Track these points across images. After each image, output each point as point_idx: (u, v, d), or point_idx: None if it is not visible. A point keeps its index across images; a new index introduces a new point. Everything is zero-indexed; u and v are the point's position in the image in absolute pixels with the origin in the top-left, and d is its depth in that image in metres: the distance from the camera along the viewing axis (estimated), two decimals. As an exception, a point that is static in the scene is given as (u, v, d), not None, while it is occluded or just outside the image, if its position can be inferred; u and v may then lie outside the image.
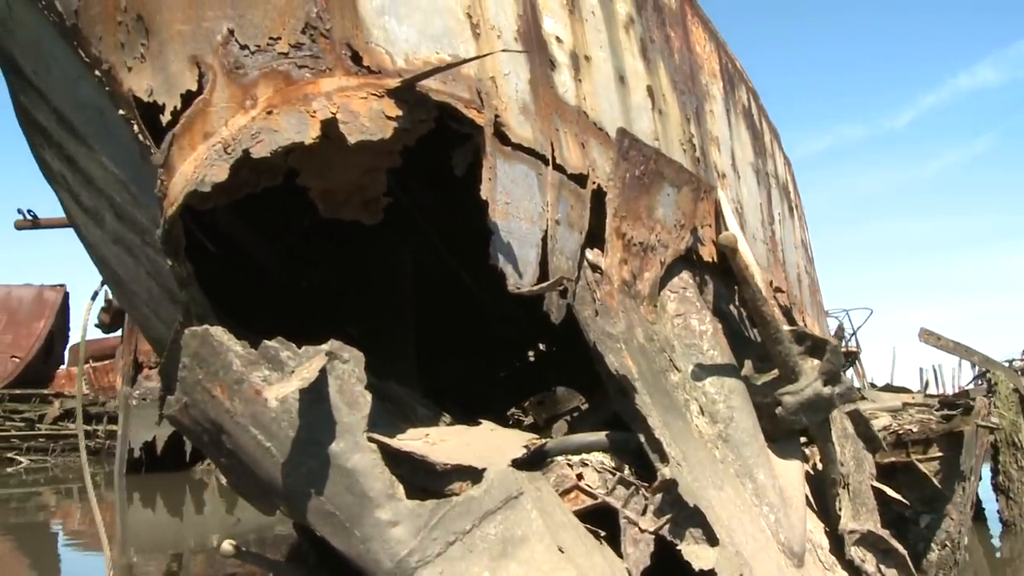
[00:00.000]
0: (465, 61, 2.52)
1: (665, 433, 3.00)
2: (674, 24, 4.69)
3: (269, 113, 2.17)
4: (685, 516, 2.94)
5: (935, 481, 4.71)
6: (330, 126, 2.18)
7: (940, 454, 4.78)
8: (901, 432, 4.77)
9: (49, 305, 22.88)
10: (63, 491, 15.52)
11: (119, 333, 20.17)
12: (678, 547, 2.86)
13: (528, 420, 5.72)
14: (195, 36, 2.26)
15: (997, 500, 6.74)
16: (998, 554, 6.35)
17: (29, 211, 4.87)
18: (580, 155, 3.23)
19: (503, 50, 2.66)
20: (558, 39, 3.34)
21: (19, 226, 4.95)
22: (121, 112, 2.45)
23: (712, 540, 2.87)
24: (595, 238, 3.34)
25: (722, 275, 4.37)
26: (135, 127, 2.42)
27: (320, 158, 2.48)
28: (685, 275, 3.91)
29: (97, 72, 2.48)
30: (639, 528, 2.95)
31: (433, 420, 3.16)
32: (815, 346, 3.63)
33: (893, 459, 4.72)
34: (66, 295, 23.59)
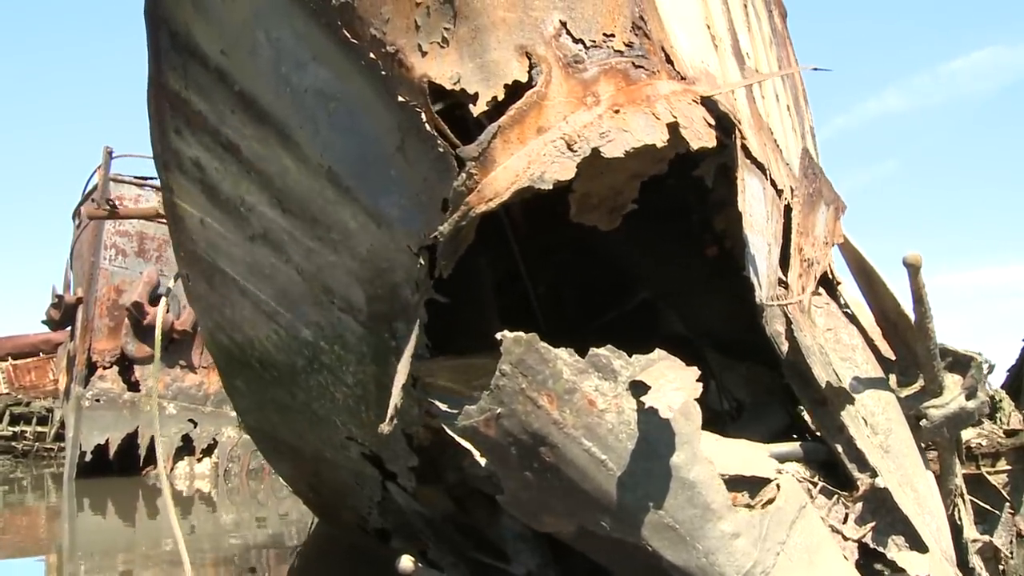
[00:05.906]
0: (771, 75, 2.53)
1: (864, 444, 3.09)
2: (782, 44, 4.84)
3: (616, 112, 2.13)
4: (887, 524, 3.04)
5: (1004, 493, 4.99)
6: (674, 130, 2.16)
7: (1008, 467, 5.07)
8: (972, 445, 5.04)
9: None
10: (-21, 492, 14.46)
11: (51, 332, 19.07)
12: (889, 555, 2.94)
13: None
14: (523, 25, 2.18)
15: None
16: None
17: (108, 200, 4.55)
18: (779, 171, 3.29)
19: (812, 67, 2.69)
20: (747, 55, 3.41)
21: (91, 216, 4.62)
22: (402, 98, 2.33)
23: (920, 547, 2.96)
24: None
25: (829, 290, 4.52)
26: (422, 115, 2.30)
27: (602, 159, 2.45)
28: (821, 290, 4.03)
29: (371, 55, 2.35)
30: (843, 536, 3.02)
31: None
32: (956, 361, 3.80)
33: (964, 471, 4.97)
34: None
